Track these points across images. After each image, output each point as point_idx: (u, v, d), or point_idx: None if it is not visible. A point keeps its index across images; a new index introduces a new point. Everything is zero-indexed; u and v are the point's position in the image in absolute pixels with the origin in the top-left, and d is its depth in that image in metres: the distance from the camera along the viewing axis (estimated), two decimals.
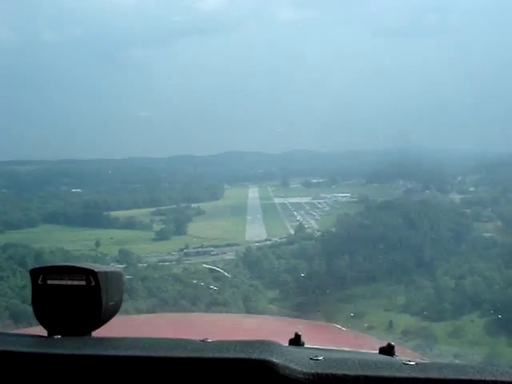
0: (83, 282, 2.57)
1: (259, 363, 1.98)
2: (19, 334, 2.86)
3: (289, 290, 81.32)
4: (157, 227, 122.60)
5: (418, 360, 2.24)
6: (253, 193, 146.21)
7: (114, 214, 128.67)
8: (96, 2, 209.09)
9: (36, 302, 2.65)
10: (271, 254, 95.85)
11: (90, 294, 2.56)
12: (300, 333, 2.64)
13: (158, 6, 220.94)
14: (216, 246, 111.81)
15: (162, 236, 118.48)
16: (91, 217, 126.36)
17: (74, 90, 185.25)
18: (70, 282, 2.57)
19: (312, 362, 2.07)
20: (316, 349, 2.51)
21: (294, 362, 2.02)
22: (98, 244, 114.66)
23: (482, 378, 1.84)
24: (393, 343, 2.56)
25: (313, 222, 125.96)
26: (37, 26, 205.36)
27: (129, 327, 4.20)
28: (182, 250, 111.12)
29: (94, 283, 2.55)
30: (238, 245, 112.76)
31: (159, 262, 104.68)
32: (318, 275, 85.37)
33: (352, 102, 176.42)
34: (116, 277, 2.77)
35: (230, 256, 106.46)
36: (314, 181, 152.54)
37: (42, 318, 2.66)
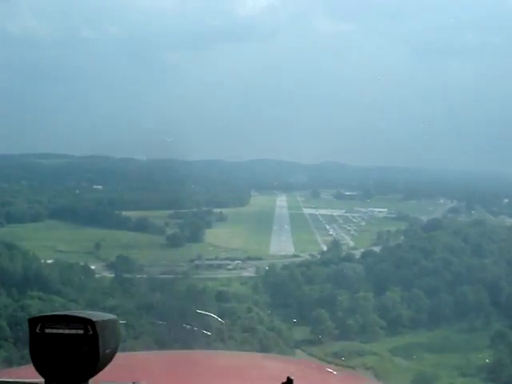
0: (81, 331, 2.24)
1: None
2: (18, 381, 2.60)
3: (323, 331, 50.47)
4: (170, 231, 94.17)
5: None
6: (281, 201, 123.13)
7: (125, 213, 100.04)
8: (134, 3, 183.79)
9: (34, 351, 2.30)
10: (300, 275, 65.23)
11: (88, 342, 2.24)
12: (292, 377, 2.28)
13: (196, 10, 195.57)
14: (234, 259, 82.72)
15: (174, 242, 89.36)
16: (102, 215, 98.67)
17: (107, 88, 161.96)
18: (67, 331, 2.25)
19: None
20: None
21: None
22: (98, 246, 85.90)
23: None
24: None
25: (348, 237, 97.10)
26: (74, 23, 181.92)
27: (123, 368, 3.24)
28: (193, 260, 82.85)
29: (91, 332, 2.23)
30: (260, 259, 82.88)
31: (162, 273, 75.57)
32: (363, 311, 55.41)
33: (385, 118, 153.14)
34: (112, 325, 2.35)
35: (249, 273, 74.36)
36: (347, 193, 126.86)
37: (39, 366, 2.29)
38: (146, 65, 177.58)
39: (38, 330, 2.33)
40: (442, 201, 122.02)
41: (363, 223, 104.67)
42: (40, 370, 2.36)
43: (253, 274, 71.75)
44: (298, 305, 54.61)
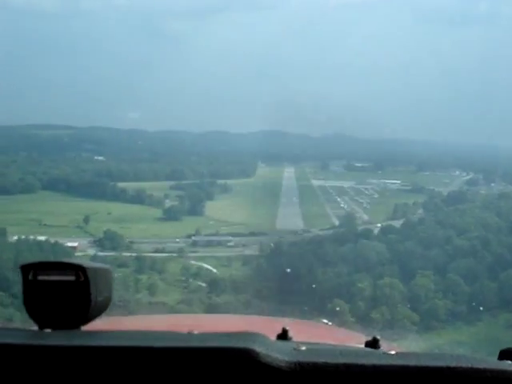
0: (73, 278, 2.08)
1: (242, 352, 1.68)
2: (10, 328, 2.27)
3: (341, 327, 36.52)
4: (169, 204, 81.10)
5: (400, 350, 1.99)
6: (289, 173, 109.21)
7: (122, 185, 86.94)
8: None
9: (27, 297, 2.14)
10: (311, 254, 52.02)
11: (80, 289, 2.09)
12: (287, 328, 2.16)
13: None
14: (236, 235, 68.93)
15: (171, 215, 76.06)
16: (98, 186, 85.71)
17: (110, 59, 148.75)
18: (59, 278, 2.09)
19: (294, 351, 1.74)
20: (301, 342, 1.99)
21: (277, 351, 1.71)
22: (87, 220, 72.92)
23: (459, 365, 1.56)
24: (378, 337, 2.03)
25: (361, 210, 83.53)
26: None
27: (117, 326, 3.02)
28: (190, 236, 69.62)
29: (83, 278, 2.07)
30: (265, 234, 69.87)
31: (155, 251, 61.85)
32: (389, 302, 41.77)
33: (394, 89, 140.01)
34: (105, 273, 2.21)
35: (252, 250, 59.18)
36: (358, 165, 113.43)
37: (32, 313, 2.13)
38: (149, 34, 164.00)
39: (30, 277, 2.11)
40: (457, 173, 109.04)
41: (376, 195, 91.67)
42: (33, 316, 2.15)
43: (256, 252, 58.21)
44: (309, 293, 41.03)
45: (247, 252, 59.09)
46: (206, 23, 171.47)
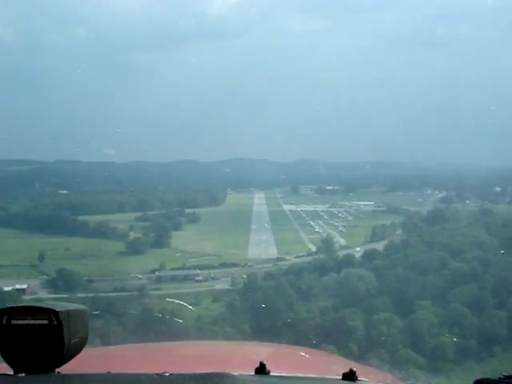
0: (46, 322, 2.10)
1: None
2: None
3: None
4: (134, 236, 72.19)
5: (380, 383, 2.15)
6: (259, 199, 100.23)
7: (83, 218, 77.62)
8: (100, 5, 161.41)
9: (1, 342, 2.15)
10: (289, 286, 43.24)
11: (53, 332, 2.10)
12: (265, 362, 2.14)
13: (164, 10, 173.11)
14: (205, 267, 60.30)
15: (135, 248, 66.88)
16: (58, 221, 76.37)
17: (75, 92, 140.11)
18: (33, 322, 2.12)
19: None
20: (280, 377, 2.12)
21: None
22: (41, 257, 63.99)
23: None
24: (354, 369, 2.05)
25: (337, 234, 75.93)
26: (39, 27, 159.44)
27: (93, 360, 3.02)
28: (154, 271, 60.72)
29: (56, 322, 2.09)
30: (236, 265, 60.51)
31: (113, 291, 52.85)
32: (387, 342, 33.25)
33: (356, 112, 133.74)
34: (79, 314, 2.23)
35: (223, 284, 49.96)
36: (329, 188, 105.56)
37: (7, 357, 2.17)
38: (114, 67, 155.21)
39: (4, 322, 2.12)
40: (429, 191, 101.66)
41: (350, 218, 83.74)
42: (8, 361, 2.17)
43: (228, 287, 49.40)
44: (290, 335, 32.41)
45: (218, 286, 50.22)
46: (170, 54, 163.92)
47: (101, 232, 73.12)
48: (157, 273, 54.29)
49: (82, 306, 2.28)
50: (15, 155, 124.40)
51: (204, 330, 35.91)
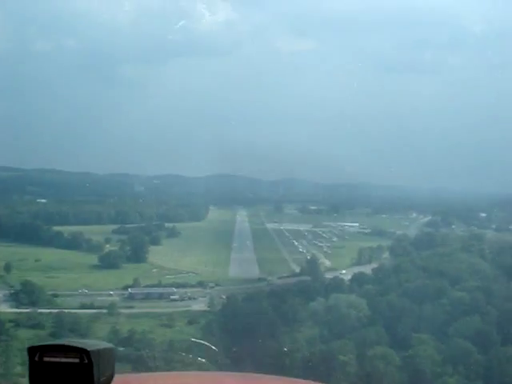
0: (77, 360, 2.11)
1: None
2: None
3: None
4: (109, 249, 66.69)
5: None
6: (241, 216, 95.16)
7: (59, 228, 71.97)
8: (91, 15, 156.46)
9: (32, 378, 2.15)
10: (272, 311, 38.13)
11: (83, 371, 2.11)
12: None
13: (153, 24, 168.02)
14: (181, 285, 54.72)
15: (109, 262, 61.04)
16: (32, 230, 70.64)
17: (60, 101, 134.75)
18: (64, 360, 2.12)
19: None
20: None
21: None
22: (8, 268, 58.34)
23: None
24: None
25: (321, 255, 71.02)
26: (30, 37, 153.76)
27: None
28: (127, 287, 54.84)
29: (86, 361, 2.10)
30: (215, 285, 56.10)
31: (81, 307, 46.89)
32: (388, 381, 28.11)
33: (342, 133, 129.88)
34: (108, 353, 2.23)
35: (200, 305, 44.31)
36: (313, 207, 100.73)
37: None
38: (102, 78, 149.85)
39: (36, 359, 2.14)
40: (414, 215, 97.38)
41: (335, 239, 79.10)
42: None
43: (205, 308, 44.12)
44: (274, 369, 27.20)
45: (194, 307, 44.89)
46: (157, 68, 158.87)
47: (75, 243, 67.61)
48: (129, 290, 48.80)
49: (109, 345, 2.17)
50: None
51: (173, 360, 30.42)
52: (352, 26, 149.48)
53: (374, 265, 56.30)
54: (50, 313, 42.36)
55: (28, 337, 37.84)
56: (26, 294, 46.18)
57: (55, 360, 2.08)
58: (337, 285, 42.65)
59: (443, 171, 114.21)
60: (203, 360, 29.15)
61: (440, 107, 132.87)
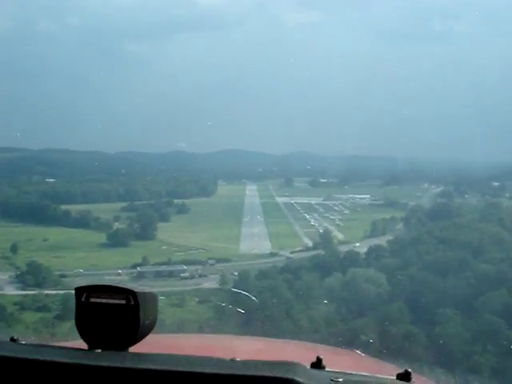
0: (123, 301, 2.10)
1: (284, 382, 1.68)
2: (62, 346, 2.32)
3: None
4: (118, 227, 64.63)
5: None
6: (251, 190, 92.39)
7: (67, 207, 69.79)
8: None
9: (79, 318, 2.14)
10: (286, 287, 35.93)
11: (129, 312, 2.09)
12: (321, 357, 2.09)
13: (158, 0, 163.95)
14: (192, 262, 52.77)
15: (117, 240, 58.97)
16: (39, 210, 68.50)
17: (67, 81, 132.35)
18: (111, 301, 2.11)
19: (332, 383, 1.78)
20: (336, 372, 2.02)
21: (316, 382, 1.76)
22: (14, 248, 56.34)
23: None
24: (409, 370, 1.96)
25: (334, 228, 68.76)
26: (32, 14, 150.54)
27: (160, 345, 2.94)
28: (136, 266, 52.82)
29: (133, 302, 2.09)
30: (227, 260, 50.75)
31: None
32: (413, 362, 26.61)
33: (351, 106, 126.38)
34: (152, 298, 2.21)
35: (211, 283, 42.29)
36: (323, 180, 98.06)
37: (83, 333, 2.15)
38: (107, 56, 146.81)
39: (83, 299, 2.11)
40: (426, 185, 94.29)
41: (347, 211, 76.40)
42: (84, 336, 2.14)
43: (217, 285, 41.87)
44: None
45: (205, 285, 42.61)
46: (163, 44, 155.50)
47: (83, 222, 65.46)
48: (138, 268, 46.58)
49: (153, 291, 2.13)
50: (2, 142, 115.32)
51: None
52: None
53: (389, 237, 53.79)
54: (57, 294, 40.17)
55: (33, 320, 35.78)
56: (32, 276, 44.02)
57: (101, 301, 2.03)
58: (353, 258, 40.14)
59: (452, 141, 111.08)
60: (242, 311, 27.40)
61: (448, 76, 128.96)
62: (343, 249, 48.90)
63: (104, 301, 2.04)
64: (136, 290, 2.04)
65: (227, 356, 1.85)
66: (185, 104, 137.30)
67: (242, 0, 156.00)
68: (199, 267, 46.85)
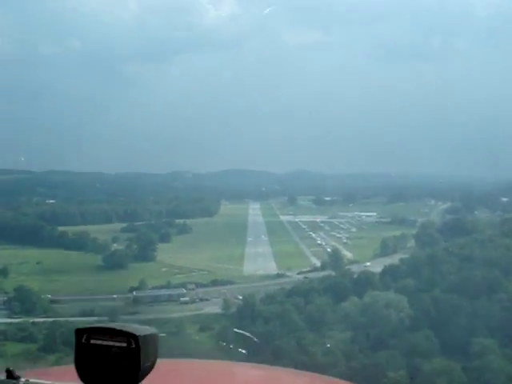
0: (124, 344, 2.03)
1: None
2: None
3: None
4: (115, 248, 60.24)
5: None
6: (254, 210, 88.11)
7: (64, 229, 65.35)
8: (95, 16, 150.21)
9: (79, 360, 2.08)
10: (295, 312, 31.55)
11: (130, 355, 2.03)
12: None
13: (158, 22, 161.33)
14: (192, 285, 48.00)
15: (114, 262, 54.15)
16: (36, 232, 64.02)
17: (69, 103, 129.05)
18: (111, 343, 2.05)
19: None
20: None
21: None
22: (4, 272, 51.60)
23: None
24: None
25: (341, 247, 64.20)
26: (35, 38, 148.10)
27: (161, 371, 2.49)
28: (133, 290, 47.81)
29: (134, 346, 2.03)
30: (230, 283, 48.25)
31: (79, 315, 39.74)
32: None
33: (353, 124, 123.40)
34: (153, 338, 2.14)
35: (213, 307, 37.13)
36: (327, 198, 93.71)
37: (83, 375, 2.09)
38: (108, 78, 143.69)
39: (83, 341, 2.06)
40: (432, 202, 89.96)
41: (354, 229, 72.05)
42: (83, 378, 2.09)
43: (219, 310, 37.29)
44: None
45: (207, 310, 37.99)
46: (164, 65, 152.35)
47: (79, 244, 60.83)
48: (134, 292, 41.95)
49: (153, 330, 2.07)
50: (4, 165, 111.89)
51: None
52: (357, 15, 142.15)
53: (402, 255, 49.25)
54: (44, 322, 35.65)
55: (15, 352, 31.22)
56: (19, 302, 39.45)
57: (102, 343, 1.96)
58: (367, 280, 35.57)
59: (457, 158, 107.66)
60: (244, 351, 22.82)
61: (452, 94, 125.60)
62: (354, 269, 44.33)
63: (104, 343, 1.92)
64: (138, 333, 1.91)
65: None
66: (185, 124, 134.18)
67: (242, 21, 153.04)
68: (201, 290, 42.24)
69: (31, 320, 36.11)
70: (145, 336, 1.96)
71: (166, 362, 2.92)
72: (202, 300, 40.36)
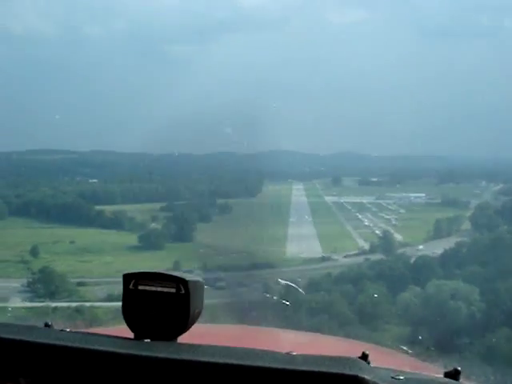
0: (173, 290, 1.95)
1: (348, 378, 1.50)
2: (107, 334, 2.06)
3: None
4: (152, 228, 56.28)
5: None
6: (298, 190, 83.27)
7: (101, 208, 61.74)
8: None
9: (126, 306, 1.99)
10: (346, 303, 27.05)
11: (180, 301, 1.94)
12: (367, 352, 1.82)
13: (202, 2, 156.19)
14: (232, 268, 43.83)
15: (150, 242, 49.85)
16: (74, 211, 60.75)
17: (113, 84, 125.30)
18: (160, 289, 1.96)
19: (396, 381, 1.62)
20: (391, 369, 1.79)
21: (379, 379, 1.56)
22: (35, 252, 48.26)
23: None
24: (459, 368, 1.79)
25: (390, 229, 58.98)
26: (79, 20, 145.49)
27: (209, 335, 2.78)
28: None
29: (183, 291, 1.94)
30: (272, 267, 45.36)
31: (106, 300, 36.24)
32: None
33: (400, 106, 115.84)
34: (200, 286, 2.06)
35: (251, 294, 38.39)
36: (373, 179, 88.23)
37: (130, 322, 1.99)
38: (152, 59, 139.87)
39: (131, 286, 1.97)
40: (483, 183, 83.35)
41: (402, 211, 66.37)
42: (130, 325, 1.98)
43: (259, 298, 32.80)
44: None
45: (245, 297, 33.40)
46: (208, 46, 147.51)
47: (116, 223, 57.22)
48: None
49: (200, 279, 1.99)
50: (53, 145, 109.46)
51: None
52: None
53: (458, 238, 43.72)
54: (68, 307, 31.64)
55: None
56: (42, 284, 35.62)
57: (150, 288, 1.88)
58: (426, 266, 30.37)
59: (503, 138, 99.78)
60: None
61: (499, 71, 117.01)
62: (407, 252, 38.99)
63: (153, 288, 1.87)
64: (187, 279, 1.86)
65: (278, 349, 1.61)
66: (230, 105, 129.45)
67: (285, 0, 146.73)
68: (239, 274, 37.67)
69: (53, 305, 32.20)
70: (194, 282, 1.86)
71: (201, 326, 2.36)
72: (239, 285, 35.80)
